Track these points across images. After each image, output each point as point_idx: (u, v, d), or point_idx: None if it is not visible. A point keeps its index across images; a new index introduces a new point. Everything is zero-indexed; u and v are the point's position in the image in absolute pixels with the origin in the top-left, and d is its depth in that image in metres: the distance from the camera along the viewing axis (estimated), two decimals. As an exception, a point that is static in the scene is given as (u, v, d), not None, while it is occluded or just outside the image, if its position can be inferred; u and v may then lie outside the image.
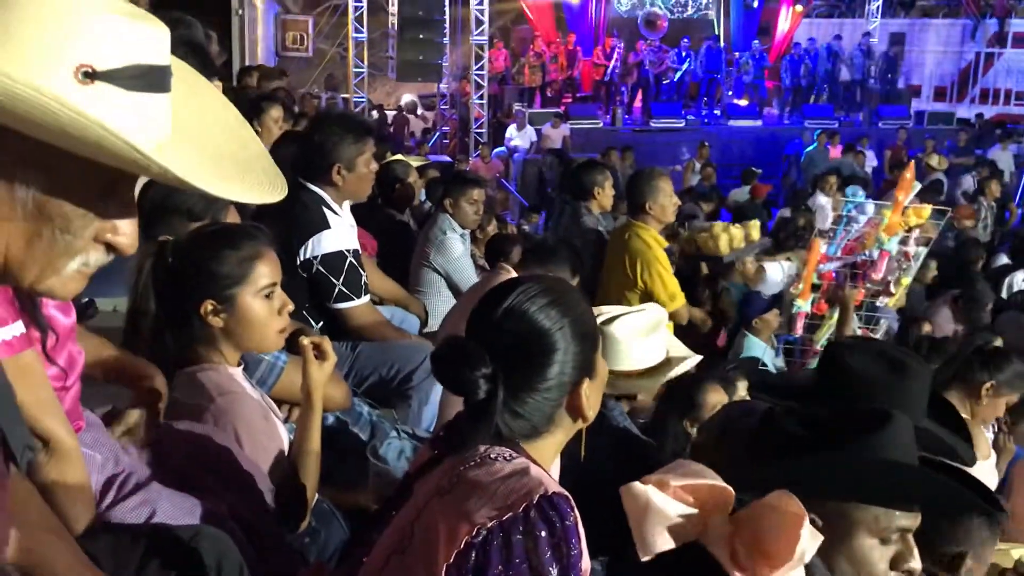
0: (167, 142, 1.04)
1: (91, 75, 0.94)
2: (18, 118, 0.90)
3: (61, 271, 1.03)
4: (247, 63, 13.46)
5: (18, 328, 1.43)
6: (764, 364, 5.06)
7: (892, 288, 4.87)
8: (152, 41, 0.99)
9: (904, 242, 4.82)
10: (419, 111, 22.36)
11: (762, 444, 1.63)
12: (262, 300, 2.11)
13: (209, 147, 1.11)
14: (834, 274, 4.87)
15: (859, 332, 4.88)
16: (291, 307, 2.23)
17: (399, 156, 5.67)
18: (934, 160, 13.35)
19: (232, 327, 2.10)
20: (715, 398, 3.06)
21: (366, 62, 17.25)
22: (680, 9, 21.14)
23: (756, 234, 6.43)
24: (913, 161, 6.62)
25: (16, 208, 0.97)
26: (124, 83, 0.96)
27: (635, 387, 2.91)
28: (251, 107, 5.37)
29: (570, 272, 3.57)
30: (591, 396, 1.54)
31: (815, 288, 4.80)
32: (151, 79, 0.99)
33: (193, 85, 1.18)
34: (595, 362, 1.56)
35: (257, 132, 5.09)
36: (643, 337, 2.88)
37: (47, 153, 0.94)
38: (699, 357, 3.00)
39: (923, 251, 4.98)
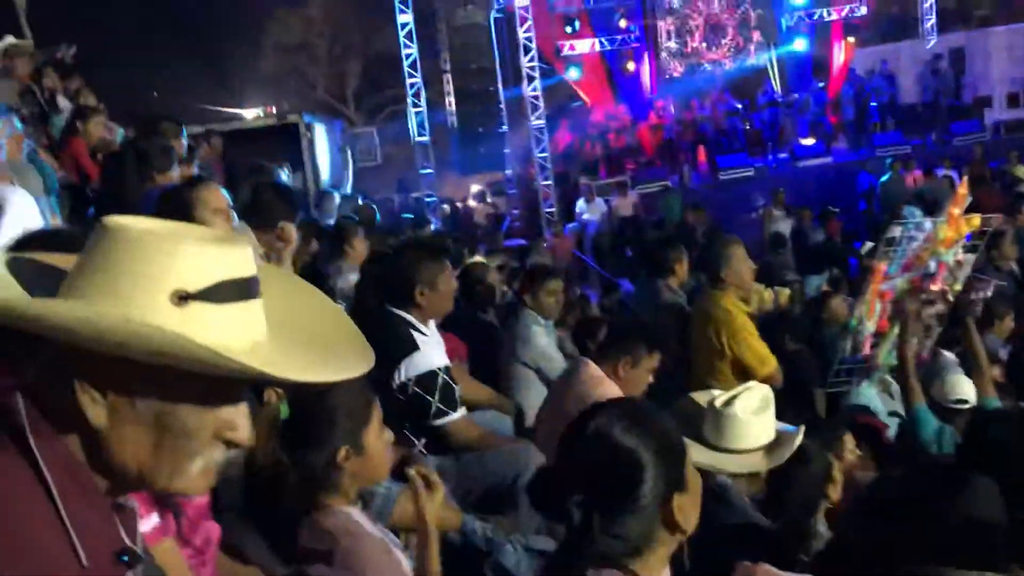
0: (263, 340, 1.16)
1: (185, 297, 1.07)
2: (123, 347, 1.02)
3: (187, 472, 1.15)
4: (320, 181, 14.03)
5: (154, 520, 1.56)
6: (875, 412, 4.98)
7: (949, 297, 4.91)
8: (237, 257, 1.12)
9: (957, 251, 4.86)
10: (488, 199, 22.85)
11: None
12: (380, 437, 2.22)
13: (301, 335, 1.23)
14: (891, 291, 4.88)
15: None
16: (393, 437, 2.34)
17: (477, 258, 5.84)
18: (1021, 171, 12.96)
19: (358, 468, 2.20)
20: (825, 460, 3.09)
21: (432, 162, 17.77)
22: (734, 60, 21.26)
23: (784, 301, 6.51)
24: (967, 178, 6.57)
25: (140, 421, 1.10)
26: (216, 298, 1.09)
27: (757, 465, 2.93)
28: (336, 234, 5.65)
29: (647, 351, 3.64)
30: (686, 508, 1.58)
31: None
32: (240, 290, 1.11)
33: (282, 281, 1.32)
34: (685, 475, 1.61)
35: (348, 252, 5.35)
36: (758, 415, 2.92)
37: (159, 369, 1.06)
38: (801, 429, 3.00)
39: (971, 258, 4.99)
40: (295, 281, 1.35)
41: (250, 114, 27.19)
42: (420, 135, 17.52)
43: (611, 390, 3.56)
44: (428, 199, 17.79)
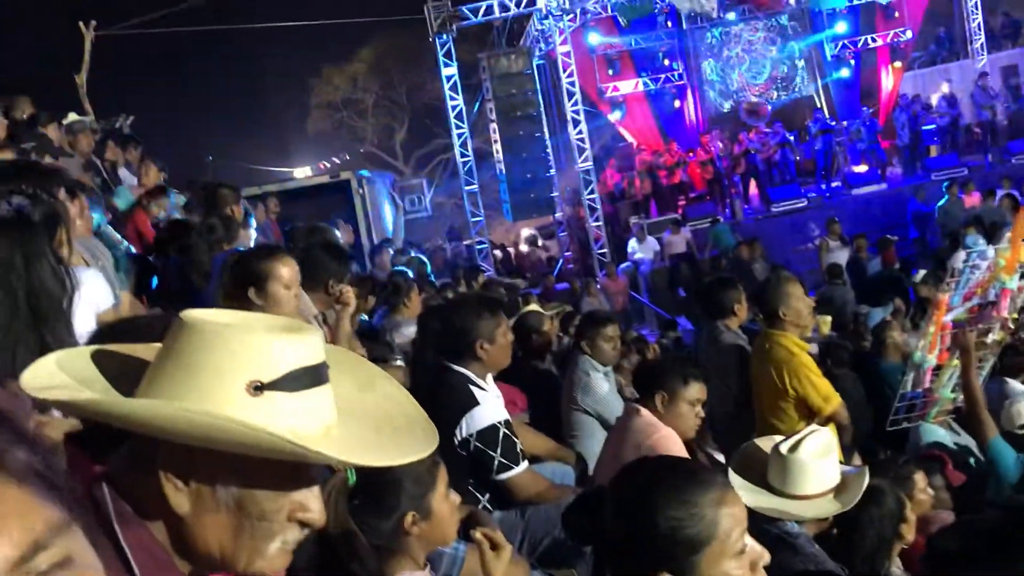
0: (334, 424, 1.21)
1: (260, 388, 1.13)
2: (206, 440, 1.08)
3: (266, 553, 1.19)
4: (373, 235, 14.27)
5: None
6: (945, 447, 4.86)
7: (1010, 324, 4.82)
8: (308, 345, 1.18)
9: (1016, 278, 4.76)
10: (539, 242, 22.95)
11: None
12: (447, 500, 2.24)
13: (368, 417, 1.28)
14: (952, 323, 4.78)
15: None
16: (459, 499, 2.35)
17: (532, 306, 5.86)
18: (1083, 188, 12.64)
19: (426, 532, 2.23)
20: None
21: (482, 209, 17.95)
22: (780, 92, 21.19)
23: (825, 330, 6.39)
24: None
25: (220, 507, 1.15)
26: (288, 387, 1.14)
27: (826, 510, 2.88)
28: (392, 289, 5.75)
29: (683, 382, 3.63)
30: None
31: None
32: (311, 377, 1.17)
33: (350, 364, 1.37)
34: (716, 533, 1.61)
35: (405, 306, 5.41)
36: (823, 458, 2.88)
37: (239, 457, 1.11)
38: (866, 470, 2.95)
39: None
40: (358, 361, 1.40)
41: (302, 172, 27.84)
42: (468, 184, 17.74)
43: (665, 435, 3.54)
44: (479, 246, 17.94)
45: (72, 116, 8.77)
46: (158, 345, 1.23)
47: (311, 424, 1.15)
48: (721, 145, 18.85)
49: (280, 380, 1.11)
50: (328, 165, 32.03)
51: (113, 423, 1.06)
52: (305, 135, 35.42)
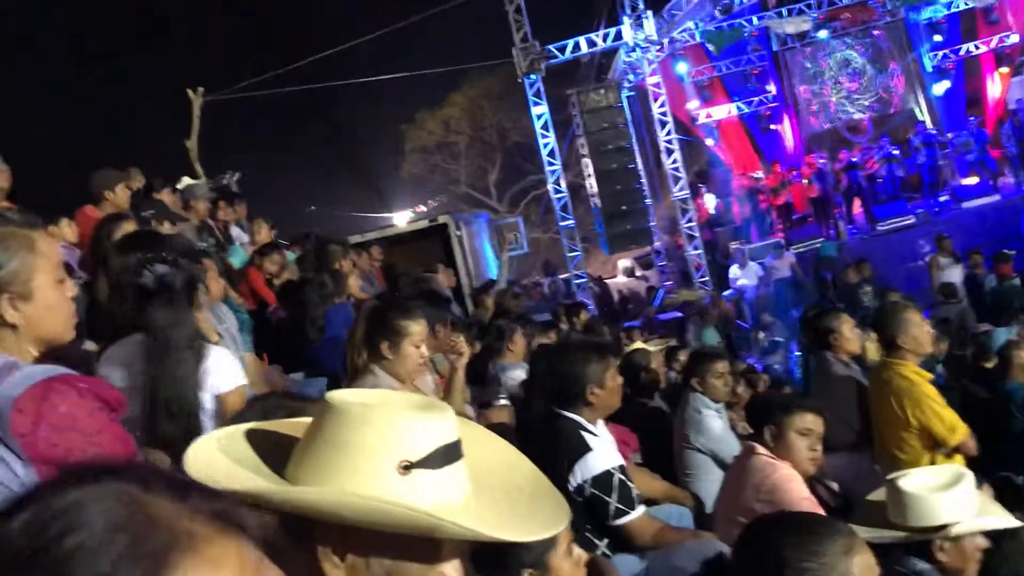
0: (470, 497, 1.26)
1: (408, 467, 1.19)
2: (363, 521, 1.15)
3: None
4: (472, 276, 14.43)
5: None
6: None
7: None
8: (445, 423, 1.24)
9: None
10: (638, 272, 22.81)
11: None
12: (568, 557, 2.25)
13: (501, 490, 1.33)
14: None
15: None
16: (584, 555, 2.35)
17: (637, 344, 5.85)
18: None
19: None
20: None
21: (578, 243, 17.97)
22: (880, 107, 20.64)
23: (873, 354, 6.16)
24: None
25: None
26: (432, 464, 1.21)
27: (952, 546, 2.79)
28: (496, 333, 5.82)
29: (787, 414, 3.55)
30: None
31: None
32: (450, 454, 1.23)
33: (474, 435, 1.42)
34: None
35: (509, 349, 5.45)
36: (938, 493, 2.79)
37: (390, 533, 1.18)
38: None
39: None
40: (481, 431, 1.45)
41: (400, 217, 28.46)
42: (564, 219, 17.80)
43: (784, 474, 3.48)
44: (577, 280, 17.95)
45: (185, 180, 9.22)
46: (304, 421, 1.31)
47: (453, 499, 1.21)
48: (822, 164, 18.42)
49: (426, 459, 1.18)
50: (424, 208, 32.70)
51: (275, 508, 1.13)
52: (401, 180, 36.27)
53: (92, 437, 1.78)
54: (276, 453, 1.26)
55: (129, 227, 4.90)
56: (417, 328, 3.51)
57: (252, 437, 1.31)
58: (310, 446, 1.21)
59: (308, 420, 1.33)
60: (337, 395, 1.22)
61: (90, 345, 3.11)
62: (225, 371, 2.71)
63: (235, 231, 9.29)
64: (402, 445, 1.18)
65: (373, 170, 36.40)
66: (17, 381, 1.76)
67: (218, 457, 1.22)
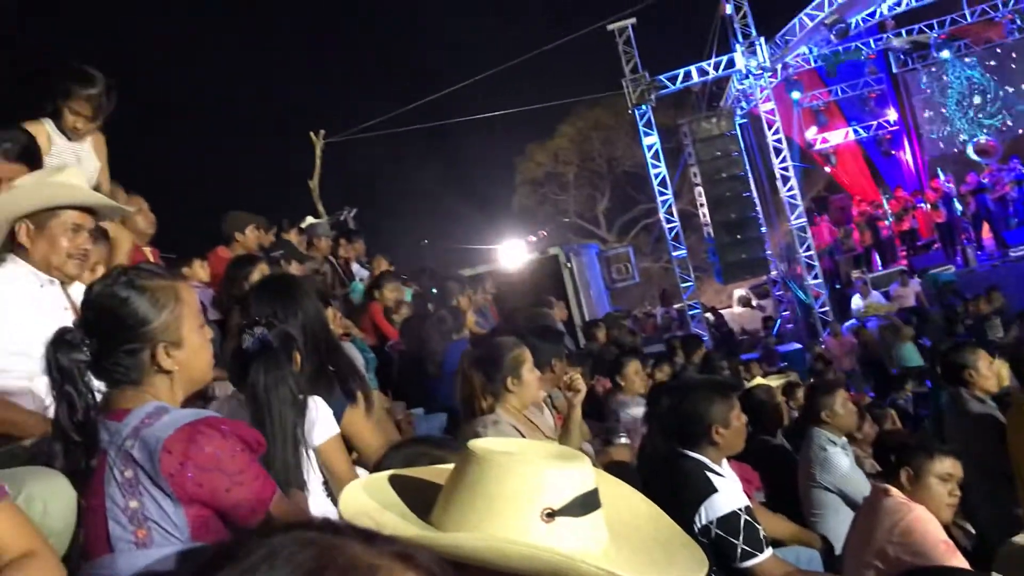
0: (609, 545, 1.28)
1: (552, 514, 1.23)
2: (509, 566, 1.18)
3: None
4: (584, 308, 14.41)
5: None
6: None
7: None
8: (584, 472, 1.27)
9: None
10: (754, 302, 22.32)
11: None
12: None
13: (637, 539, 1.35)
14: None
15: None
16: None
17: (757, 379, 5.72)
18: None
19: None
20: None
21: (691, 272, 17.73)
22: (1008, 126, 19.71)
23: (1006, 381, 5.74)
24: None
25: None
26: (573, 512, 1.24)
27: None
28: (614, 366, 5.81)
29: (926, 457, 3.43)
30: None
31: None
32: (589, 502, 1.26)
33: (609, 484, 1.44)
34: None
35: (622, 385, 5.44)
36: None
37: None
38: None
39: None
40: (615, 481, 1.47)
41: (511, 250, 28.70)
42: (676, 249, 17.62)
43: (918, 517, 3.36)
44: (691, 311, 17.69)
45: (309, 219, 9.58)
46: (443, 468, 1.35)
47: (593, 546, 1.24)
48: (948, 188, 17.68)
49: (567, 507, 1.22)
50: (534, 240, 32.92)
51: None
52: (511, 212, 36.64)
53: (235, 477, 1.87)
54: (419, 499, 1.32)
55: (263, 268, 5.15)
56: (529, 354, 3.63)
57: (395, 482, 1.36)
58: (455, 493, 1.25)
59: (448, 467, 1.38)
60: (479, 444, 1.26)
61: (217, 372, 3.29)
62: (322, 422, 2.80)
63: (355, 267, 9.58)
64: (545, 493, 1.21)
65: (484, 203, 36.91)
66: (166, 424, 1.87)
67: (368, 503, 1.28)
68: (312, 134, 13.76)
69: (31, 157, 3.55)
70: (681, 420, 3.57)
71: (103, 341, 1.95)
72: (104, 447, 1.89)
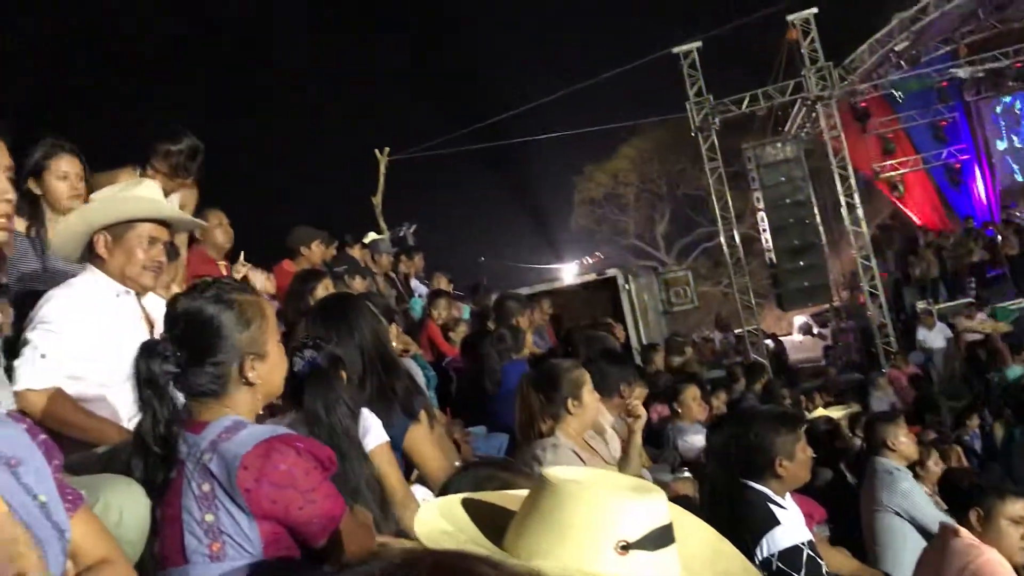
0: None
1: (626, 547, 1.21)
2: None
3: None
4: (641, 331, 14.30)
5: None
6: None
7: None
8: (659, 505, 1.25)
9: None
10: (815, 330, 21.95)
11: None
12: None
13: (706, 574, 1.33)
14: None
15: None
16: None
17: (820, 411, 5.60)
18: None
19: None
20: None
21: (753, 301, 17.49)
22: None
23: None
24: None
25: None
26: (648, 546, 1.22)
27: None
28: (673, 392, 5.75)
29: (998, 498, 3.33)
30: None
31: None
32: (664, 536, 1.24)
33: (681, 518, 1.42)
34: None
35: (681, 412, 5.37)
36: None
37: None
38: None
39: None
40: (687, 515, 1.45)
41: (568, 269, 28.72)
42: (737, 274, 17.41)
43: (989, 559, 3.26)
44: (751, 337, 17.44)
45: (371, 235, 9.71)
46: (514, 494, 1.35)
47: (667, 584, 1.22)
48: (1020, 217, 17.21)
49: (642, 540, 1.20)
50: (591, 260, 32.86)
51: None
52: (569, 232, 36.65)
53: (308, 495, 1.89)
54: (490, 524, 1.31)
55: (327, 283, 5.22)
56: (587, 376, 3.59)
57: (468, 506, 1.36)
58: (528, 521, 1.24)
59: (518, 493, 1.37)
60: (555, 473, 1.26)
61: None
62: (372, 431, 2.85)
63: (414, 283, 9.66)
64: (620, 526, 1.21)
65: (543, 222, 37.03)
66: (244, 439, 1.90)
67: (443, 525, 1.28)
68: (377, 151, 13.97)
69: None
70: (745, 451, 3.50)
71: (191, 354, 1.99)
72: (182, 459, 1.93)
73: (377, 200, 13.64)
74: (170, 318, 2.06)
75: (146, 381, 1.99)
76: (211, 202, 5.69)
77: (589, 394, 3.57)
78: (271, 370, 2.09)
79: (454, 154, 18.69)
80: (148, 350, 2.01)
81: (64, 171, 3.54)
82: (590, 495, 1.22)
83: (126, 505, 1.91)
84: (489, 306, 7.39)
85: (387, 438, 2.89)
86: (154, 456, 1.95)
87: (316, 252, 6.97)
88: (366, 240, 9.32)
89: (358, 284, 6.16)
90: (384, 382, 3.21)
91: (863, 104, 18.21)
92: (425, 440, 3.18)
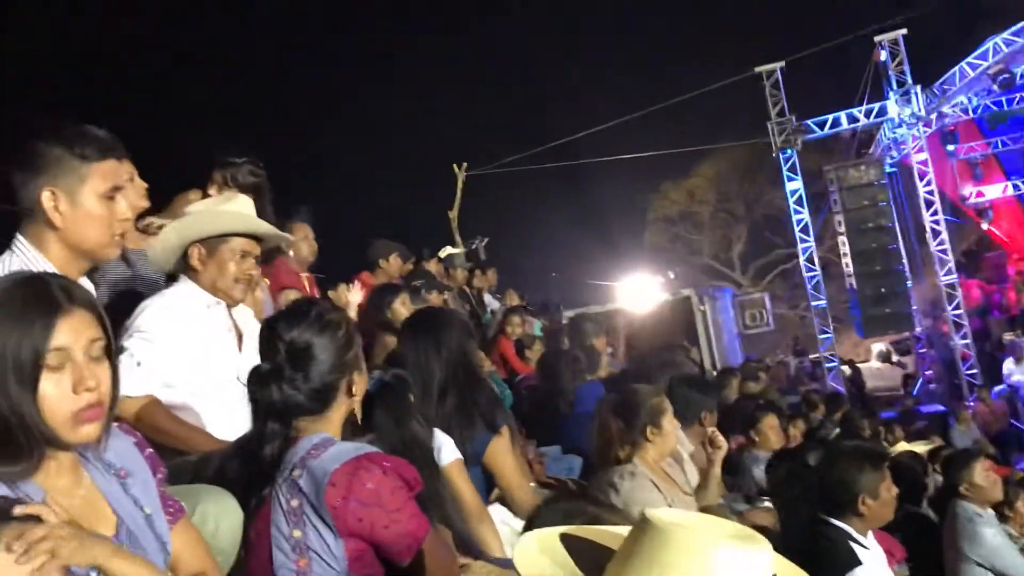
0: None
1: None
2: None
3: None
4: (715, 355, 14.08)
5: None
6: None
7: None
8: (763, 554, 1.23)
9: None
10: (894, 358, 21.32)
11: None
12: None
13: None
14: None
15: None
16: None
17: (901, 445, 5.44)
18: None
19: None
20: None
21: (831, 326, 17.08)
22: None
23: None
24: None
25: None
26: None
27: None
28: (749, 420, 5.66)
29: None
30: None
31: None
32: None
33: (782, 567, 1.40)
34: None
35: (758, 441, 5.29)
36: None
37: None
38: None
39: None
40: (787, 564, 1.43)
41: (640, 288, 28.41)
42: (815, 298, 17.04)
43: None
44: (828, 364, 17.03)
45: (448, 250, 9.80)
46: (609, 530, 1.35)
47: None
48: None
49: None
50: (664, 280, 32.49)
51: None
52: (642, 249, 36.31)
53: (393, 514, 1.91)
54: (588, 561, 1.31)
55: (404, 298, 5.29)
56: (668, 403, 3.57)
57: (565, 540, 1.36)
58: (631, 562, 1.24)
59: (614, 529, 1.37)
60: (658, 515, 1.25)
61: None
62: (445, 447, 2.90)
63: (487, 298, 9.71)
64: (723, 574, 1.19)
65: (615, 239, 36.76)
66: (333, 456, 1.94)
67: (542, 561, 1.28)
68: (455, 166, 14.12)
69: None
70: (827, 487, 3.44)
71: (302, 375, 2.05)
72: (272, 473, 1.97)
73: (453, 214, 13.78)
74: (271, 341, 2.10)
75: (262, 403, 2.05)
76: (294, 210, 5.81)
77: (669, 422, 3.52)
78: (364, 386, 2.19)
79: (529, 172, 18.74)
80: (259, 371, 2.08)
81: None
82: (694, 540, 1.20)
83: (221, 516, 1.96)
84: (563, 324, 7.38)
85: (460, 455, 2.91)
86: (257, 474, 2.00)
87: (394, 265, 7.07)
88: (442, 254, 9.41)
89: (435, 299, 6.21)
90: (467, 396, 3.25)
91: (952, 128, 17.68)
92: (507, 453, 3.20)
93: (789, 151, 16.57)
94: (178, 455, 2.72)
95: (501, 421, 3.23)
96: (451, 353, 3.28)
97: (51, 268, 2.20)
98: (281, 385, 2.03)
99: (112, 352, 1.64)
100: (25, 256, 2.21)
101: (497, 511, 3.01)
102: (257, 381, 2.05)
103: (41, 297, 1.54)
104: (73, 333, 1.54)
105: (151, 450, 1.78)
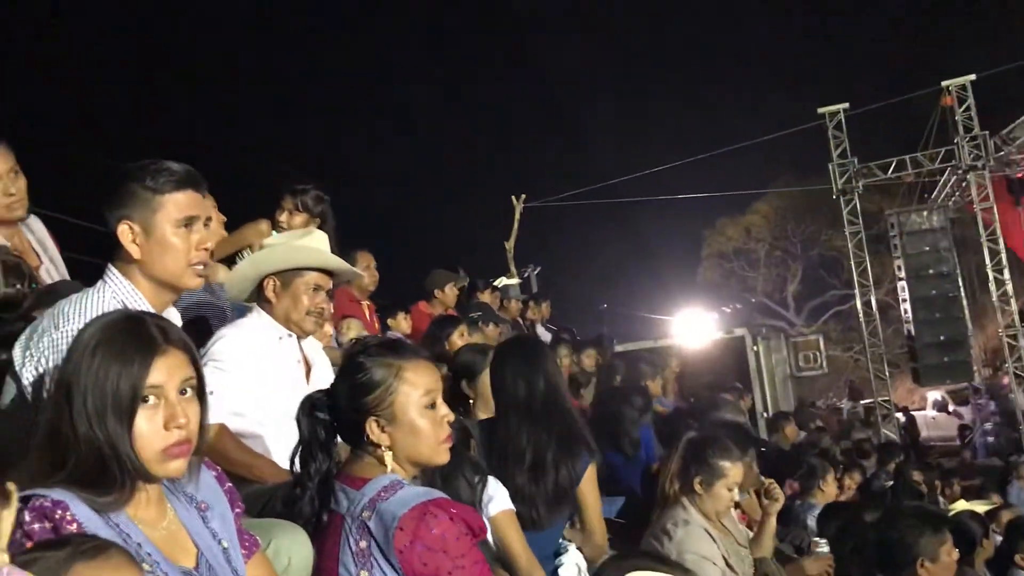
0: None
1: None
2: None
3: None
4: (768, 398, 13.88)
5: None
6: None
7: None
8: None
9: None
10: (951, 408, 20.86)
11: None
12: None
13: None
14: None
15: None
16: None
17: (960, 504, 5.32)
18: None
19: None
20: None
21: (887, 372, 16.75)
22: None
23: None
24: None
25: None
26: None
27: None
28: (811, 469, 5.58)
29: None
30: None
31: None
32: None
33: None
34: None
35: (820, 489, 5.20)
36: None
37: None
38: None
39: None
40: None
41: (693, 323, 28.13)
42: (872, 344, 16.74)
43: None
44: (883, 411, 16.68)
45: (503, 280, 9.87)
46: None
47: None
48: None
49: None
50: (718, 316, 32.19)
51: None
52: (695, 285, 36.06)
53: (457, 560, 1.94)
54: None
55: (463, 330, 5.35)
56: (735, 472, 3.50)
57: None
58: None
59: None
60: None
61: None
62: (498, 496, 2.91)
63: (540, 330, 9.73)
64: None
65: (668, 273, 36.59)
66: (402, 500, 1.98)
67: None
68: (513, 197, 14.24)
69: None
70: (885, 547, 3.39)
71: (357, 413, 2.10)
72: (341, 512, 2.02)
73: (510, 245, 13.87)
74: (343, 378, 2.16)
75: (311, 435, 2.10)
76: (358, 244, 5.94)
77: (724, 488, 3.48)
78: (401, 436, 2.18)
79: (584, 205, 18.77)
80: (311, 404, 2.14)
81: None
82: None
83: (294, 551, 2.02)
84: (616, 362, 7.36)
85: (511, 506, 2.94)
86: (311, 503, 2.06)
87: (450, 295, 7.15)
88: (497, 283, 9.47)
89: (491, 331, 6.25)
90: (568, 421, 3.31)
91: (1019, 176, 17.31)
92: (595, 483, 3.28)
93: (850, 193, 16.39)
94: (244, 483, 2.79)
95: (596, 448, 3.31)
96: (549, 382, 3.33)
97: (140, 296, 2.29)
98: (325, 414, 2.12)
99: (202, 391, 1.71)
100: (116, 286, 2.30)
101: (573, 555, 3.05)
102: (305, 408, 2.14)
103: (140, 336, 1.62)
104: (168, 372, 1.62)
105: (231, 484, 1.84)
